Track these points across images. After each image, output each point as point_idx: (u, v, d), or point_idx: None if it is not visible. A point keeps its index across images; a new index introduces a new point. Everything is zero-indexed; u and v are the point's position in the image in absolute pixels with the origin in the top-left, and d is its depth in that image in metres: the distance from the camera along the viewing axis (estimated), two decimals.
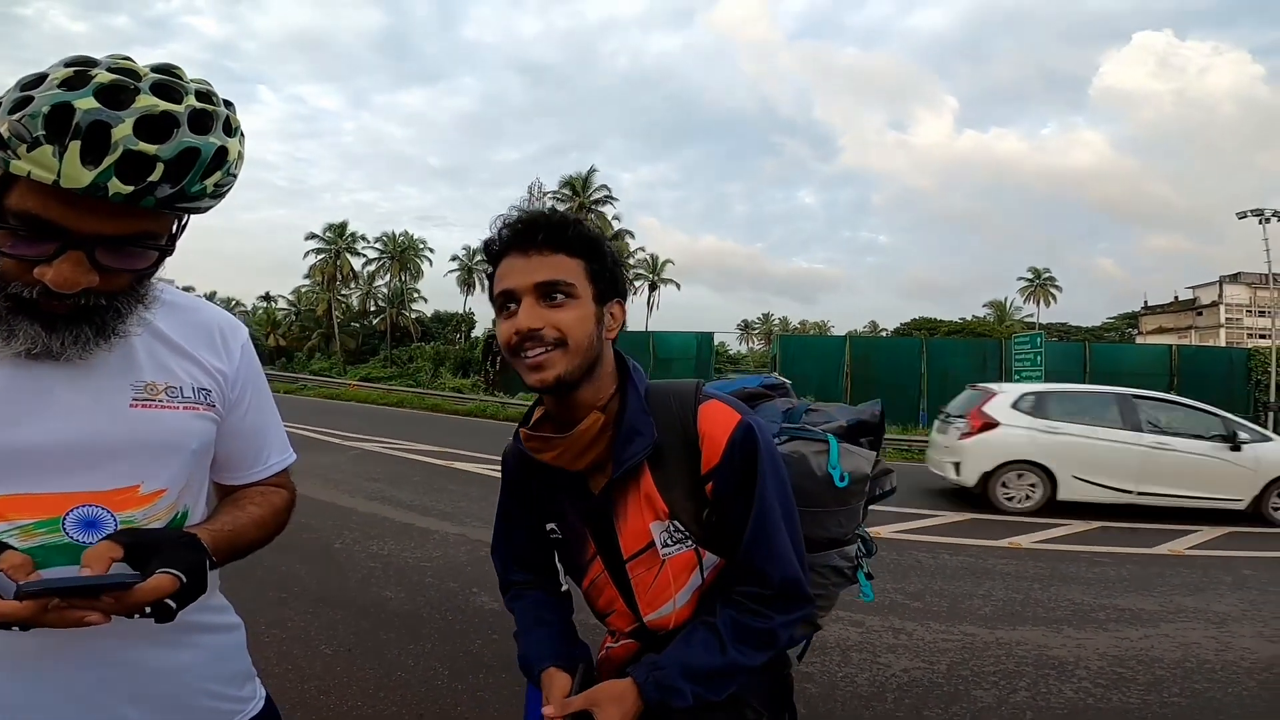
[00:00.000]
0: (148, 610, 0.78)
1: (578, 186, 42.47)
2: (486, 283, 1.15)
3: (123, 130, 0.73)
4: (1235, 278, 47.30)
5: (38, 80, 0.74)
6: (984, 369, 23.23)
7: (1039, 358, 19.43)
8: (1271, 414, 22.21)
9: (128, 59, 0.79)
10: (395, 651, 3.51)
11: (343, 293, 47.26)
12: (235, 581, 4.09)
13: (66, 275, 0.77)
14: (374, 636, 3.69)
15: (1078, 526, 7.69)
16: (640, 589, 1.16)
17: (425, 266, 48.42)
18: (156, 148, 0.75)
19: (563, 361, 1.03)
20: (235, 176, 0.86)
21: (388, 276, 47.90)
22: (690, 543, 1.12)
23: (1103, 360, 23.55)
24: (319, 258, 45.90)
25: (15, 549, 0.78)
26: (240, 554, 1.02)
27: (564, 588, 1.32)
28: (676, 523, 1.11)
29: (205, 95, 0.82)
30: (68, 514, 0.85)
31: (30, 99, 0.72)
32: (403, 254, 47.17)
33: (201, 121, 0.79)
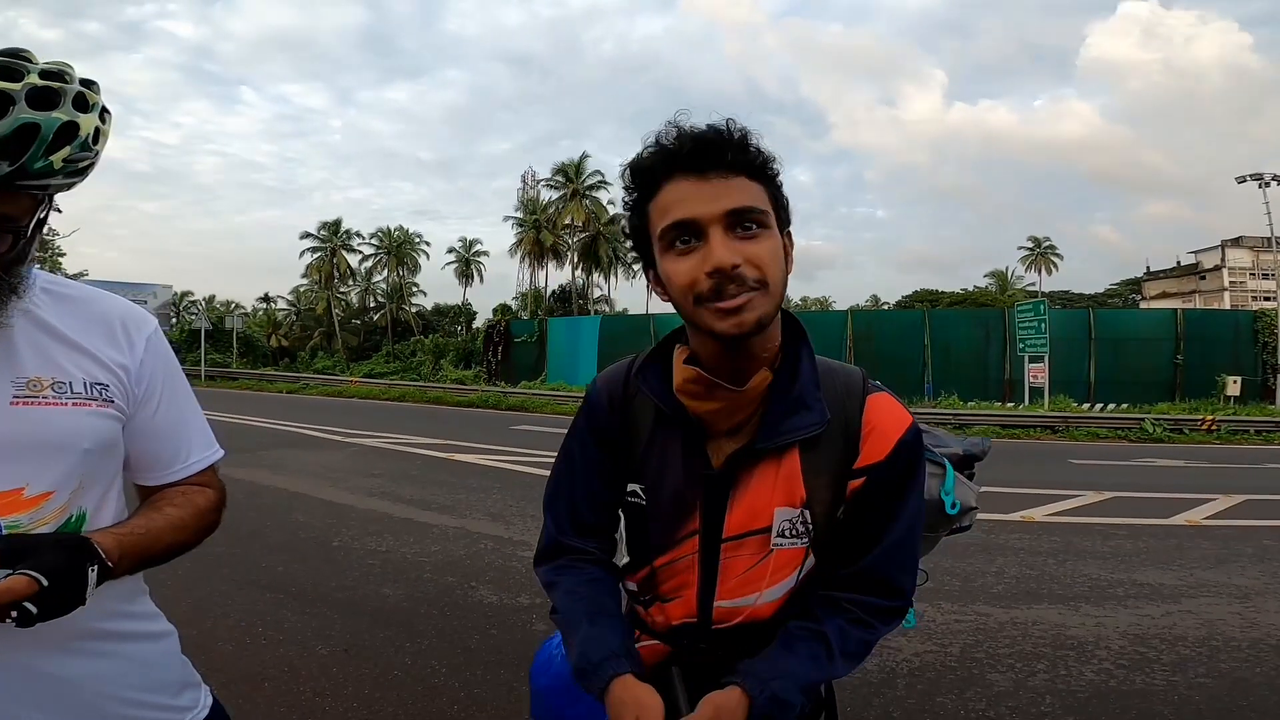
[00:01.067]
0: (13, 615, 0.74)
1: (570, 173, 42.14)
2: (629, 217, 0.97)
3: None
4: (1237, 241, 46.85)
5: None
6: (988, 339, 23.10)
7: (1043, 325, 19.28)
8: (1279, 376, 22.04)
9: None
10: (392, 650, 3.43)
11: (341, 290, 47.10)
12: (228, 585, 4.02)
13: None
14: (371, 635, 3.61)
15: (1091, 497, 7.58)
16: (726, 575, 1.01)
17: (422, 260, 48.25)
18: None
19: (763, 303, 0.89)
20: (95, 152, 0.84)
21: (385, 272, 47.76)
22: (807, 539, 1.00)
23: (1107, 326, 23.38)
24: (315, 256, 45.66)
25: None
26: (158, 559, 0.96)
27: (625, 560, 1.12)
28: (808, 513, 0.99)
29: (54, 74, 0.80)
30: None
31: None
32: (399, 249, 46.95)
33: (44, 98, 0.77)
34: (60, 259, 32.26)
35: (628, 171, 0.95)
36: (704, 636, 1.04)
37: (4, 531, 0.83)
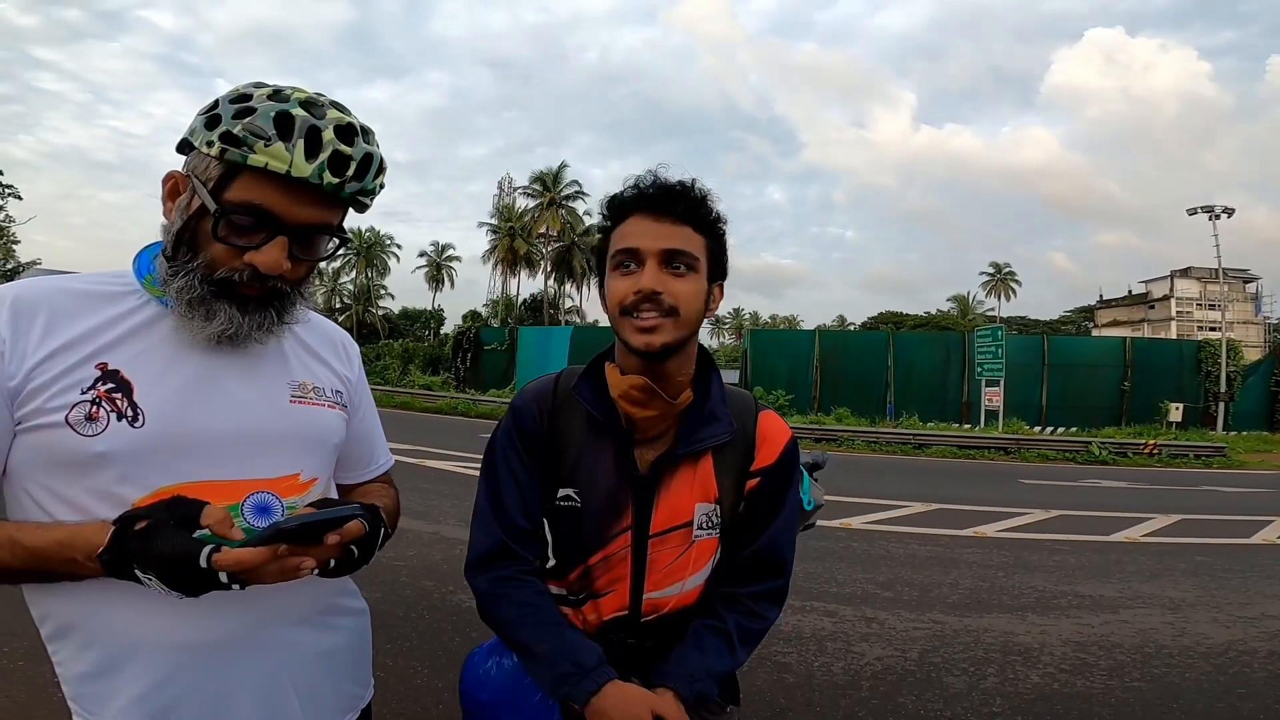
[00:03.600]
0: (331, 564, 0.86)
1: (548, 182, 42.23)
2: (599, 238, 1.16)
3: (329, 134, 0.87)
4: (1186, 272, 48.80)
5: (243, 97, 0.88)
6: (948, 362, 23.73)
7: (1000, 350, 19.91)
8: (1223, 404, 23.09)
9: (295, 88, 0.93)
10: (373, 652, 3.46)
11: None
12: None
13: (274, 258, 0.88)
14: None
15: (1038, 515, 7.94)
16: (655, 567, 1.14)
17: (392, 263, 47.76)
18: (350, 149, 0.89)
19: (671, 330, 1.07)
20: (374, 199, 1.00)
21: (354, 273, 47.09)
22: (717, 531, 1.17)
23: (1061, 352, 24.20)
24: None
25: (213, 506, 0.83)
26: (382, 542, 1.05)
27: (551, 563, 1.18)
28: (719, 508, 1.17)
29: (370, 136, 0.96)
30: (246, 500, 0.92)
31: (251, 109, 0.86)
32: (369, 250, 46.40)
33: (366, 135, 0.94)
34: (14, 246, 31.10)
35: (605, 202, 1.15)
36: (633, 629, 1.15)
37: (285, 510, 0.94)
